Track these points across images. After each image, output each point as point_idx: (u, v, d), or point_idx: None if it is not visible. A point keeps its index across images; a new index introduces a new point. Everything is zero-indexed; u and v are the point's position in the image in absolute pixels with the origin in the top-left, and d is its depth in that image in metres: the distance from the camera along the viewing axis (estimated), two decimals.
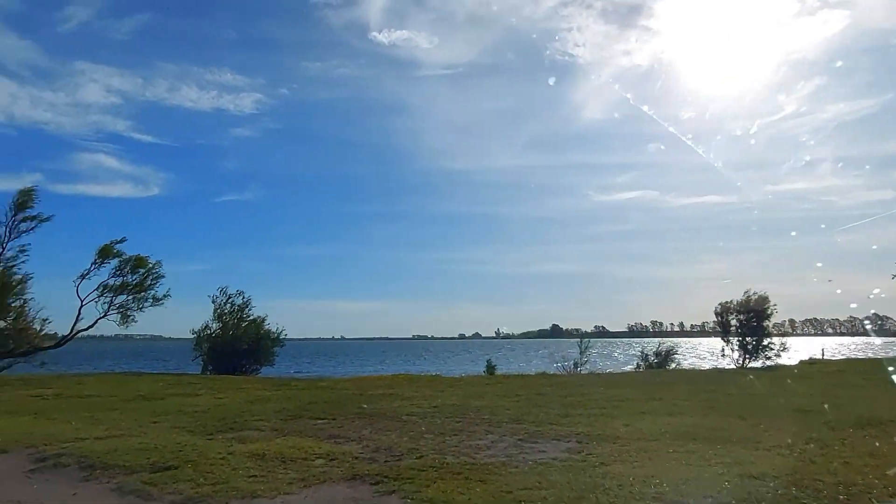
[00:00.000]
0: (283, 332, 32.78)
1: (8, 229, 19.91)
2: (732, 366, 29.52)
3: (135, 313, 23.27)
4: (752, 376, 19.07)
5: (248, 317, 32.07)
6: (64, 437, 9.47)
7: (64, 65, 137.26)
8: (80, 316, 22.42)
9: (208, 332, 31.39)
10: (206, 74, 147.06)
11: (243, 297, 32.21)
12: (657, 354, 32.95)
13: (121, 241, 22.85)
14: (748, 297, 30.69)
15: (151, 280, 23.28)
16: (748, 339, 29.63)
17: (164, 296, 23.86)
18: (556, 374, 25.73)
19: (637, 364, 34.18)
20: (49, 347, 22.11)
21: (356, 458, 8.02)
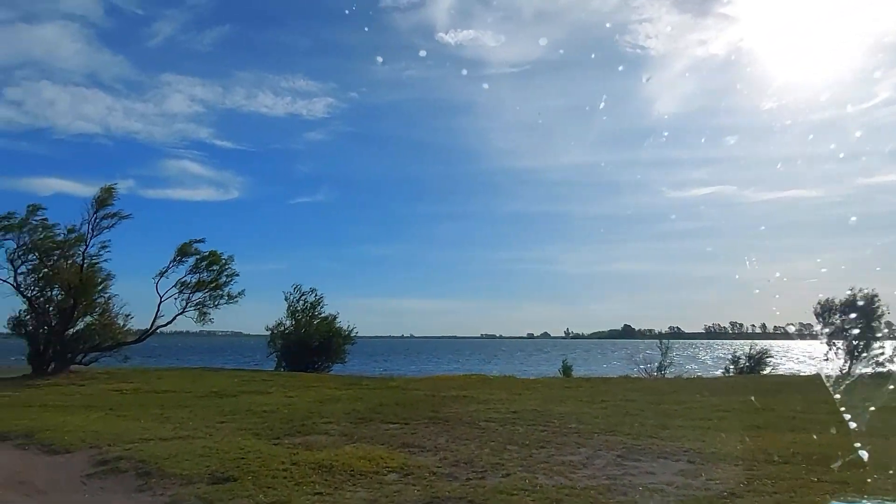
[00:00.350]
0: (354, 330, 32.49)
1: (90, 226, 20.42)
2: (836, 371, 26.60)
3: (211, 310, 23.46)
4: (892, 386, 16.65)
5: (320, 314, 32.01)
6: (130, 436, 9.00)
7: (152, 77, 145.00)
8: (160, 312, 22.79)
9: (282, 329, 31.57)
10: (281, 81, 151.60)
11: (315, 295, 32.19)
12: (749, 357, 30.30)
13: (200, 241, 23.24)
14: (853, 295, 27.60)
15: (225, 277, 23.35)
16: (855, 341, 26.59)
17: (239, 294, 23.98)
18: (640, 378, 23.93)
19: (725, 368, 31.62)
20: (131, 342, 22.57)
21: (433, 473, 7.00)
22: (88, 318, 21.37)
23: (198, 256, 22.84)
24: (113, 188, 20.71)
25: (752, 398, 14.84)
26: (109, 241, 21.12)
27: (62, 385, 18.30)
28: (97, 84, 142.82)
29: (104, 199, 20.42)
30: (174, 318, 22.96)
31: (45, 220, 20.69)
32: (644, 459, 7.88)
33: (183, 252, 22.61)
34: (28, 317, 20.46)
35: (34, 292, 20.28)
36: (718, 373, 31.45)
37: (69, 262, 20.21)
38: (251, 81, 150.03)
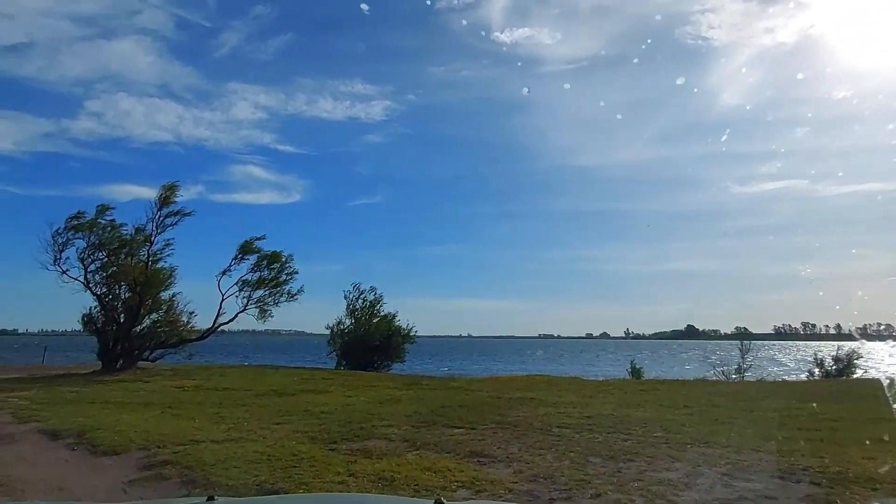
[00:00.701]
0: (413, 329, 31.87)
1: (155, 224, 20.58)
2: None
3: (271, 308, 23.31)
4: None
5: (379, 313, 31.58)
6: (182, 437, 8.45)
7: (219, 87, 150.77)
8: (222, 310, 22.82)
9: (341, 327, 31.32)
10: (340, 86, 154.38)
11: (375, 293, 31.78)
12: (836, 360, 27.70)
13: (260, 238, 23.15)
14: None
15: (286, 275, 23.16)
16: None
17: (299, 291, 23.74)
18: (719, 381, 22.11)
19: (809, 371, 29.08)
20: (194, 340, 22.69)
21: (509, 489, 6.02)
22: (154, 316, 21.56)
23: (259, 254, 22.73)
24: (175, 186, 20.88)
25: (860, 405, 13.09)
26: (173, 238, 21.29)
27: (128, 381, 18.38)
28: (169, 94, 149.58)
29: (167, 197, 20.55)
30: (236, 316, 22.95)
31: (114, 220, 21.06)
32: (757, 479, 6.63)
33: (244, 250, 22.55)
34: (98, 314, 20.83)
35: (103, 290, 20.62)
36: (803, 376, 28.96)
37: (135, 259, 20.42)
38: (311, 87, 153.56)
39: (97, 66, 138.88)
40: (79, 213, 20.10)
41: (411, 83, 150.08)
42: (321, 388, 16.44)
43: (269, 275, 22.80)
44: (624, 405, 13.09)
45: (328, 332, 31.50)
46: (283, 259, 23.02)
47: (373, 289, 31.87)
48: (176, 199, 20.70)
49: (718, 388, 17.46)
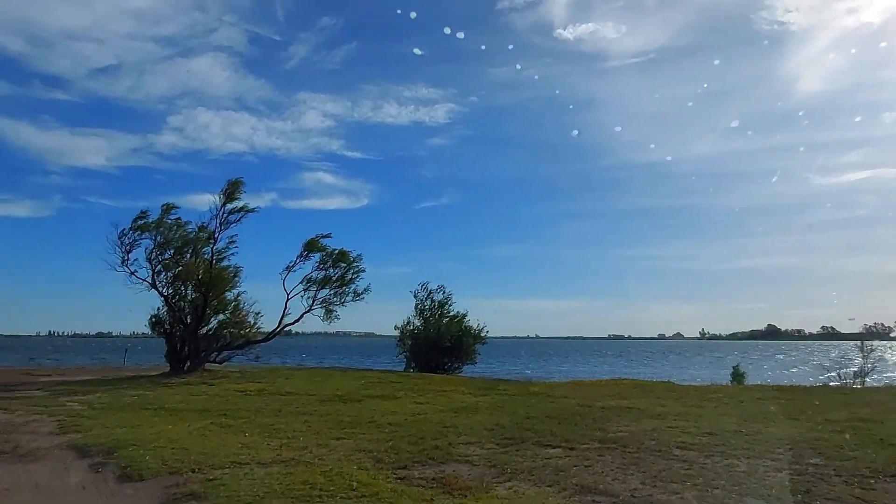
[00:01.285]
0: (485, 329, 30.02)
1: (218, 221, 19.79)
2: None
3: (337, 308, 22.09)
4: None
5: (449, 313, 29.94)
6: (224, 457, 6.99)
7: (289, 97, 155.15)
8: (287, 310, 21.80)
9: (410, 328, 29.91)
10: (404, 91, 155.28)
11: (444, 293, 30.18)
12: None
13: (326, 236, 22.02)
14: None
15: (352, 274, 21.88)
16: None
17: (365, 290, 22.40)
18: (846, 387, 18.99)
19: None
20: (261, 341, 21.78)
21: None
22: (221, 317, 20.81)
23: (324, 252, 21.55)
24: (240, 182, 20.05)
25: None
26: (237, 235, 20.42)
27: (192, 384, 17.53)
28: (243, 107, 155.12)
29: (231, 193, 19.72)
30: (301, 317, 21.88)
31: (179, 219, 20.44)
32: None
33: (310, 247, 21.44)
34: (165, 315, 20.25)
35: (168, 290, 20.02)
36: None
37: (198, 258, 19.68)
38: (376, 93, 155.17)
39: (178, 84, 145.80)
40: (143, 212, 19.64)
41: (474, 85, 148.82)
42: (389, 394, 14.88)
43: (334, 273, 21.62)
44: (748, 418, 10.73)
45: (397, 333, 30.18)
46: (351, 258, 21.76)
47: (441, 288, 30.31)
48: (239, 196, 19.89)
49: (854, 398, 14.56)
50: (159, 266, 19.64)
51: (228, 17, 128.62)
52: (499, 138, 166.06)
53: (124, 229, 19.15)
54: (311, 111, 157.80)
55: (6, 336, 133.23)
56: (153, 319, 20.17)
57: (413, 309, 30.02)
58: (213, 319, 20.57)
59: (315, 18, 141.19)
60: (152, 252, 19.73)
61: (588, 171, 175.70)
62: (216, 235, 19.83)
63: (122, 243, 19.15)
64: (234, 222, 19.91)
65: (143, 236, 19.48)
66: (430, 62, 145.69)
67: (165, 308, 20.15)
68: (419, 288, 30.20)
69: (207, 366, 20.71)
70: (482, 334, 29.99)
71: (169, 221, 19.95)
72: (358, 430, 9.28)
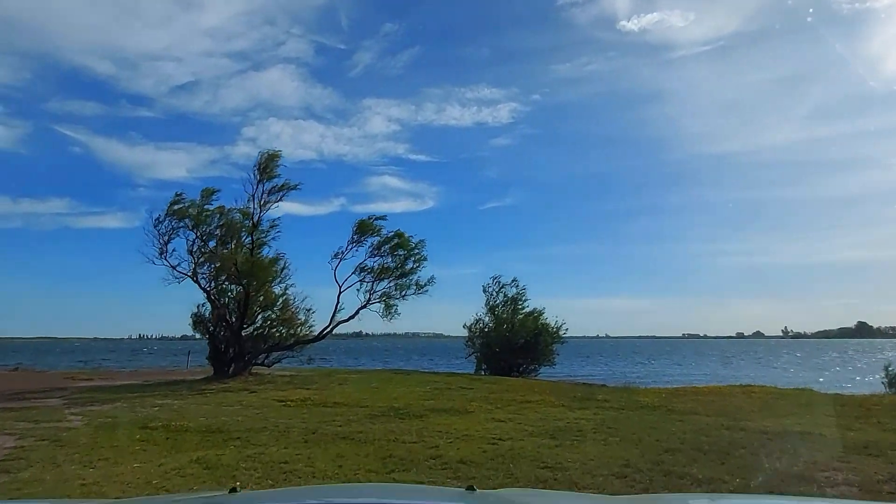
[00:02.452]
0: (564, 327, 26.17)
1: (256, 201, 17.10)
2: None
3: (398, 302, 18.95)
4: None
5: (523, 309, 26.27)
6: None
7: (355, 104, 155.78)
8: (340, 305, 18.78)
9: (480, 326, 26.47)
10: (467, 93, 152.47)
11: (517, 287, 26.52)
12: None
13: (381, 218, 18.89)
14: None
15: (413, 262, 18.69)
16: None
17: (429, 282, 19.14)
18: None
19: None
20: (311, 340, 18.97)
21: None
22: (268, 314, 18.15)
23: (379, 237, 18.44)
24: (277, 154, 17.15)
25: None
26: (279, 219, 17.66)
27: (232, 391, 14.86)
28: (312, 115, 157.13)
29: (266, 166, 16.93)
30: (357, 313, 18.85)
31: (223, 206, 17.90)
32: None
33: (362, 230, 18.32)
34: (207, 313, 17.78)
35: (211, 285, 17.52)
36: None
37: (240, 246, 17.03)
38: (439, 96, 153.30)
39: (251, 96, 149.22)
40: (178, 195, 17.15)
41: (536, 83, 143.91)
42: (458, 406, 11.53)
43: (393, 263, 18.52)
44: None
45: (466, 332, 26.79)
46: (411, 244, 18.54)
47: (515, 282, 26.64)
48: (278, 172, 17.07)
49: None
50: (202, 258, 17.16)
51: (296, 30, 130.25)
52: (562, 136, 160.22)
53: (160, 216, 16.80)
54: (377, 116, 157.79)
55: (102, 339, 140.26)
56: (195, 318, 17.77)
57: (483, 306, 26.58)
58: (258, 317, 17.93)
59: (377, 25, 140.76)
60: (193, 242, 17.32)
61: (656, 166, 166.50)
62: (254, 218, 17.12)
63: (158, 233, 16.81)
64: (276, 202, 17.18)
65: (181, 224, 17.01)
66: (491, 62, 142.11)
67: (208, 305, 17.67)
68: (490, 282, 26.71)
69: (256, 369, 18.14)
70: (560, 331, 26.16)
71: (210, 209, 17.45)
72: (412, 471, 5.96)
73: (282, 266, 18.57)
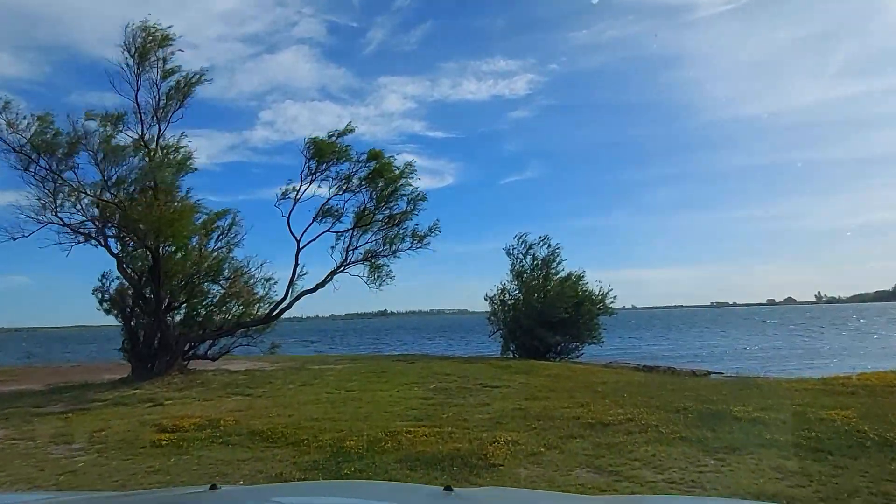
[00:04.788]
0: (612, 293, 20.28)
1: (155, 104, 10.95)
2: None
3: (388, 261, 13.14)
4: None
5: (557, 273, 20.35)
6: None
7: (370, 83, 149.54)
8: (301, 268, 13.06)
9: (505, 296, 20.69)
10: (482, 66, 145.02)
11: (549, 246, 20.56)
12: None
13: (347, 132, 12.60)
14: None
15: (407, 203, 12.76)
16: None
17: (431, 230, 13.20)
18: None
19: None
20: (257, 323, 13.18)
21: None
22: (203, 286, 12.54)
23: (350, 161, 12.39)
24: (167, 36, 10.58)
25: None
26: (187, 138, 11.64)
27: (129, 404, 9.43)
28: (328, 96, 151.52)
29: (146, 51, 10.49)
30: (327, 279, 12.99)
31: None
32: None
33: (321, 153, 12.12)
34: (113, 289, 12.23)
35: (120, 249, 11.93)
36: None
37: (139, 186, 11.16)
38: (455, 71, 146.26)
39: (266, 80, 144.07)
40: (43, 117, 10.73)
41: (553, 52, 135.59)
42: (471, 447, 5.79)
43: (372, 202, 12.62)
44: None
45: (489, 305, 20.98)
46: (397, 172, 12.46)
47: (545, 240, 20.67)
48: (176, 61, 10.93)
49: None
50: (99, 209, 11.41)
51: (307, 9, 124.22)
52: (581, 105, 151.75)
53: (24, 147, 10.76)
54: (392, 94, 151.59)
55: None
56: (100, 295, 12.19)
57: (508, 272, 20.72)
58: (181, 293, 12.23)
59: (389, 1, 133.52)
60: (101, 187, 11.53)
61: (679, 132, 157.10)
62: (142, 135, 11.01)
63: (36, 173, 11.01)
64: (179, 107, 11.09)
65: (62, 154, 11.10)
66: (506, 33, 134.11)
67: (120, 276, 12.13)
68: (515, 242, 20.79)
69: (197, 363, 12.68)
70: (606, 300, 20.24)
71: (96, 127, 11.12)
72: None
73: (228, 223, 12.95)
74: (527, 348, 19.19)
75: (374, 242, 13.09)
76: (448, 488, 1.55)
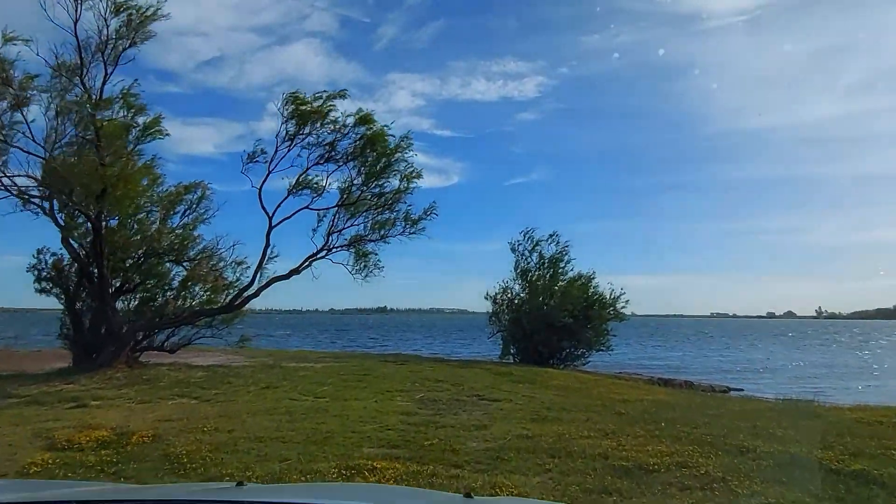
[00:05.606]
0: (624, 297, 18.43)
1: (101, 38, 9.05)
2: None
3: (377, 247, 11.27)
4: None
5: (565, 274, 18.51)
6: None
7: (380, 78, 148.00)
8: (272, 250, 11.10)
9: (508, 296, 18.84)
10: (492, 66, 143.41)
11: (558, 243, 18.70)
12: None
13: (338, 96, 10.48)
14: None
15: (400, 180, 10.82)
16: None
17: (426, 212, 11.26)
18: None
19: None
20: (216, 312, 11.25)
21: None
22: (161, 266, 10.73)
23: (334, 124, 10.37)
24: None
25: None
26: (138, 83, 9.75)
27: (45, 405, 7.62)
28: (336, 90, 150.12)
29: None
30: (305, 264, 11.16)
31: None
32: None
33: (303, 117, 10.15)
34: (48, 265, 10.36)
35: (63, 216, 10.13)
36: None
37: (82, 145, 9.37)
38: (464, 70, 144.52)
39: (276, 71, 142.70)
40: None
41: (564, 55, 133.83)
42: (477, 478, 3.97)
43: (358, 176, 10.73)
44: None
45: (490, 304, 19.08)
46: (390, 142, 10.50)
47: (554, 237, 18.80)
48: None
49: None
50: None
51: (320, 3, 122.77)
52: (590, 110, 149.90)
53: None
54: (401, 91, 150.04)
55: None
56: (38, 270, 10.34)
57: (511, 270, 18.85)
58: (137, 272, 10.42)
59: None
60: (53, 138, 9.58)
61: (687, 141, 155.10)
62: (83, 80, 9.07)
63: None
64: (127, 47, 9.19)
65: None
66: (518, 35, 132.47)
67: (61, 252, 10.31)
68: (520, 237, 18.93)
69: (151, 354, 10.89)
70: (618, 304, 18.36)
71: (54, 81, 9.41)
72: None
73: (197, 196, 11.14)
74: (528, 353, 17.39)
75: (362, 226, 11.25)
76: (468, 495, 1.53)
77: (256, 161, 10.41)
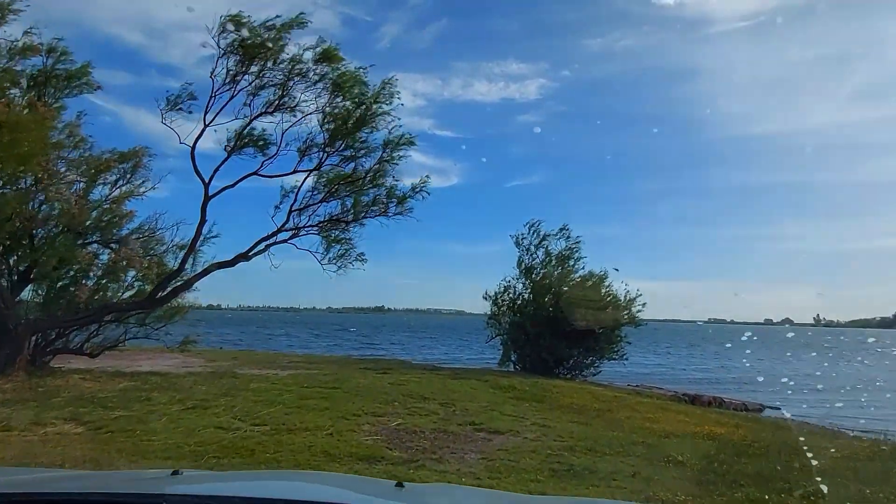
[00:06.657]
0: (640, 299, 16.12)
1: None
2: None
3: (352, 232, 8.92)
4: None
5: (574, 270, 16.22)
6: None
7: (381, 78, 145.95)
8: (209, 228, 8.83)
9: (510, 296, 16.53)
10: (494, 67, 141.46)
11: (568, 238, 16.40)
12: None
13: (296, 24, 7.84)
14: None
15: (385, 151, 8.34)
16: None
17: (416, 190, 8.88)
18: None
19: None
20: (131, 308, 8.66)
21: None
22: (104, 254, 8.48)
23: (290, 63, 7.87)
24: None
25: None
26: (62, 40, 7.64)
27: None
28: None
29: None
30: (254, 250, 8.71)
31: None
32: None
33: (250, 51, 7.58)
34: None
35: None
36: None
37: None
38: (466, 71, 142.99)
39: None
40: None
41: (566, 58, 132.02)
42: None
43: (321, 133, 8.22)
44: None
45: (489, 305, 16.74)
46: (368, 87, 7.95)
47: (564, 230, 16.48)
48: None
49: None
50: None
51: (322, 0, 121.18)
52: (592, 114, 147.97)
53: None
54: (402, 91, 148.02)
55: None
56: None
57: (514, 268, 16.52)
58: (47, 255, 8.16)
59: None
60: None
61: (688, 146, 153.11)
62: None
63: None
64: None
65: None
66: (520, 36, 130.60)
67: None
68: (525, 230, 16.61)
69: (67, 358, 8.62)
70: (633, 306, 16.05)
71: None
72: None
73: (132, 165, 8.84)
74: (531, 360, 15.15)
75: (337, 203, 8.88)
76: (400, 484, 1.54)
77: (180, 108, 8.06)
